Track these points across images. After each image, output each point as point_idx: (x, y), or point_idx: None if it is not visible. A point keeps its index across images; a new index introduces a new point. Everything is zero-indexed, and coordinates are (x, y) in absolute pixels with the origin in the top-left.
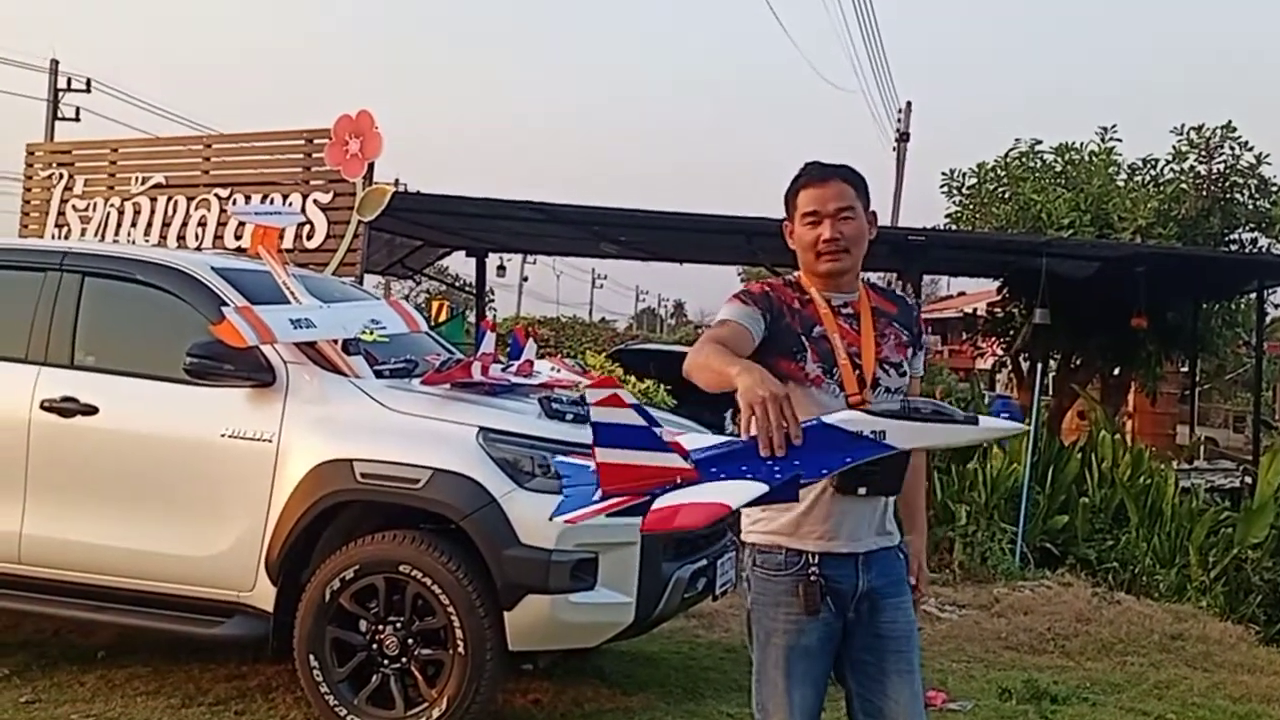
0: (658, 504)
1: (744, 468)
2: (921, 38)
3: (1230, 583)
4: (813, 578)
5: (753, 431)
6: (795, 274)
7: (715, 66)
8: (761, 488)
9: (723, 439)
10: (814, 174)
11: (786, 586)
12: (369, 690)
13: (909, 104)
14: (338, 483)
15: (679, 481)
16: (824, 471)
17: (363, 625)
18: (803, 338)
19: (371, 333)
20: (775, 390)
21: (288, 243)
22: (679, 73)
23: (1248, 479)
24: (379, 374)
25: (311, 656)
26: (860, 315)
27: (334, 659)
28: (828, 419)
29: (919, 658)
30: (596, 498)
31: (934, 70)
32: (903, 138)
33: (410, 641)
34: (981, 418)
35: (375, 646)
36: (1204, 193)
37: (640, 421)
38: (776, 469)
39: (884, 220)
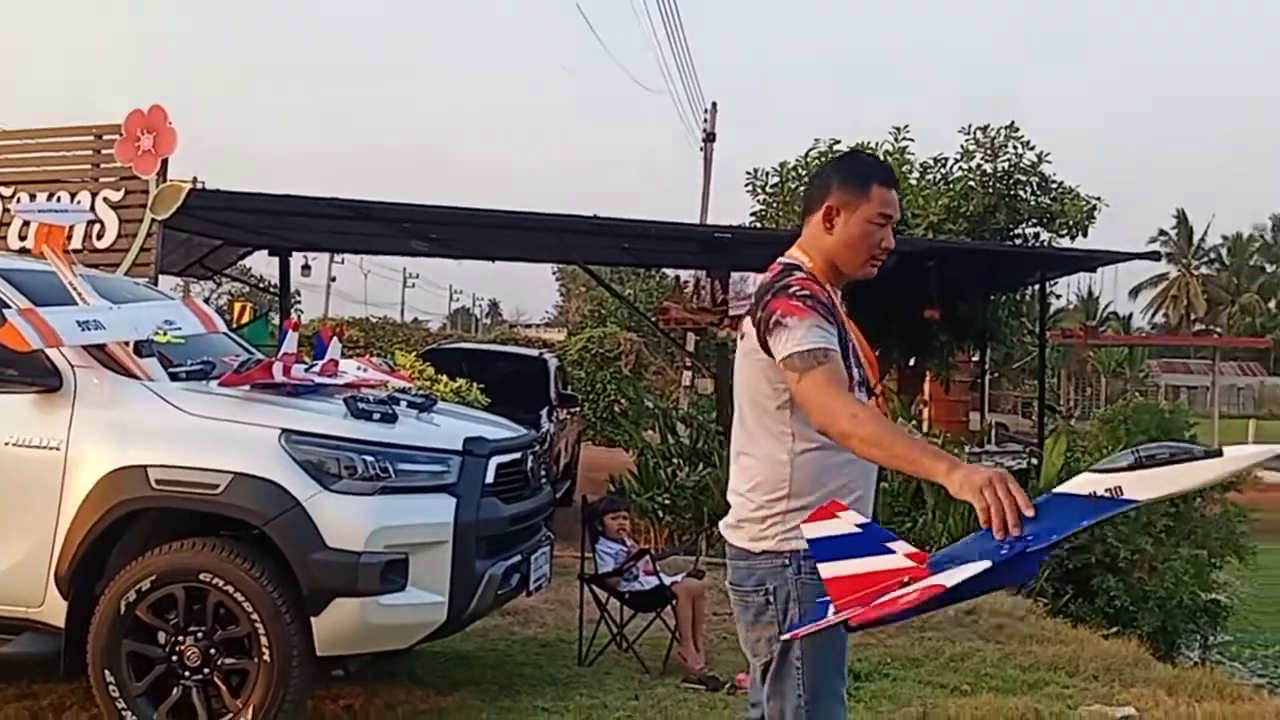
0: (878, 600)
1: (977, 553)
2: (729, 35)
3: None
4: None
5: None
6: (804, 263)
7: (529, 65)
8: (985, 564)
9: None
10: (890, 175)
11: None
12: (169, 704)
13: (714, 105)
14: (131, 490)
15: (907, 580)
16: (1054, 537)
17: (161, 637)
18: (848, 341)
19: (165, 334)
20: (994, 473)
21: (77, 243)
22: (484, 67)
23: (1034, 461)
24: (174, 376)
25: (107, 672)
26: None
27: (131, 673)
28: (1060, 488)
29: None
30: (830, 613)
31: (740, 69)
32: (709, 138)
33: (213, 651)
34: (1226, 448)
35: (175, 658)
36: (990, 190)
37: (854, 529)
38: (1004, 546)
39: (693, 218)
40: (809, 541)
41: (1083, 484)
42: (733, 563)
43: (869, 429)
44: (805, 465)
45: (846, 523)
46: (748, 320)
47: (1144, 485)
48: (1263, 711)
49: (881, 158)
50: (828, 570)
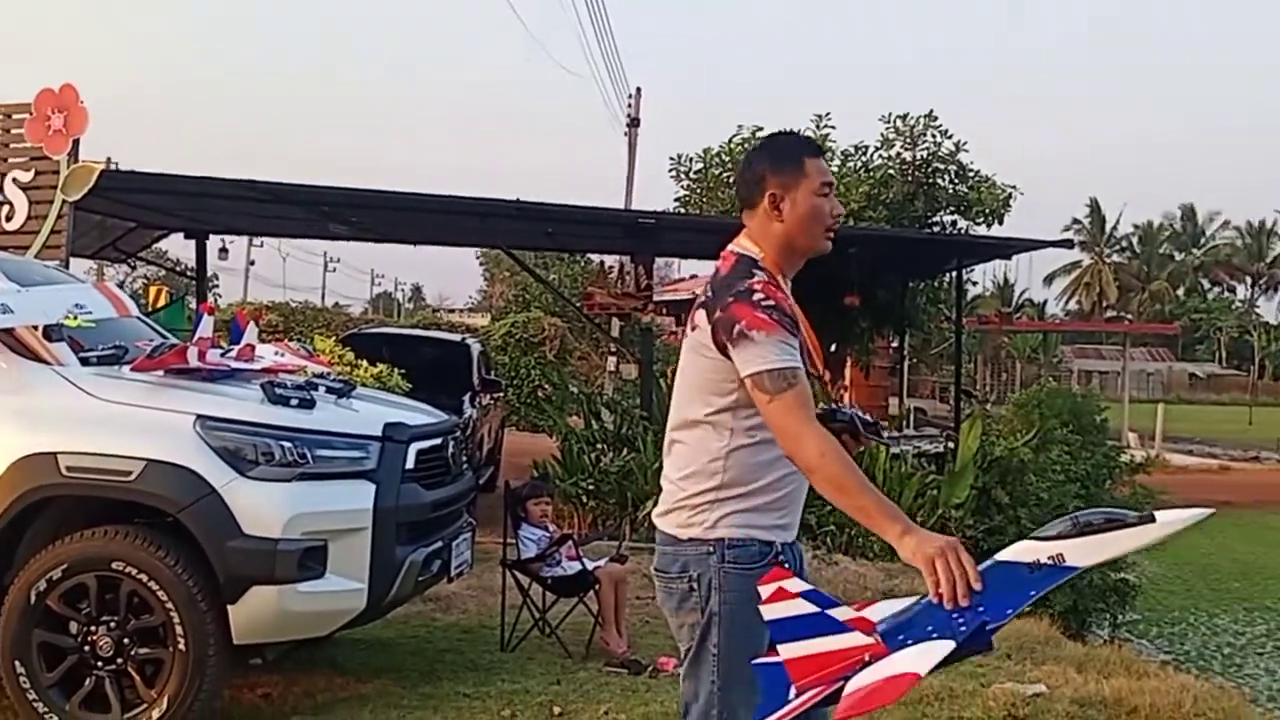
0: (849, 688)
1: (929, 628)
2: (651, 20)
3: None
4: (785, 567)
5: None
6: (755, 255)
7: (448, 49)
8: (949, 645)
9: (907, 601)
10: (815, 145)
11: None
12: (82, 694)
13: (639, 90)
14: (41, 477)
15: (867, 659)
16: (1009, 612)
17: (73, 627)
18: (802, 339)
19: (76, 318)
20: (945, 543)
21: None
22: (398, 50)
23: (950, 444)
24: (85, 361)
25: (17, 663)
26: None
27: (42, 664)
28: (1001, 555)
29: None
30: (792, 695)
31: (664, 54)
32: (633, 123)
33: (126, 641)
34: (1158, 513)
35: (88, 649)
36: (909, 178)
37: (812, 609)
38: (960, 620)
39: (617, 203)
40: (769, 623)
41: (1024, 551)
42: (660, 548)
43: (834, 470)
44: (740, 459)
45: (802, 605)
46: (701, 312)
47: (1084, 552)
48: (1167, 687)
49: None
50: (787, 651)
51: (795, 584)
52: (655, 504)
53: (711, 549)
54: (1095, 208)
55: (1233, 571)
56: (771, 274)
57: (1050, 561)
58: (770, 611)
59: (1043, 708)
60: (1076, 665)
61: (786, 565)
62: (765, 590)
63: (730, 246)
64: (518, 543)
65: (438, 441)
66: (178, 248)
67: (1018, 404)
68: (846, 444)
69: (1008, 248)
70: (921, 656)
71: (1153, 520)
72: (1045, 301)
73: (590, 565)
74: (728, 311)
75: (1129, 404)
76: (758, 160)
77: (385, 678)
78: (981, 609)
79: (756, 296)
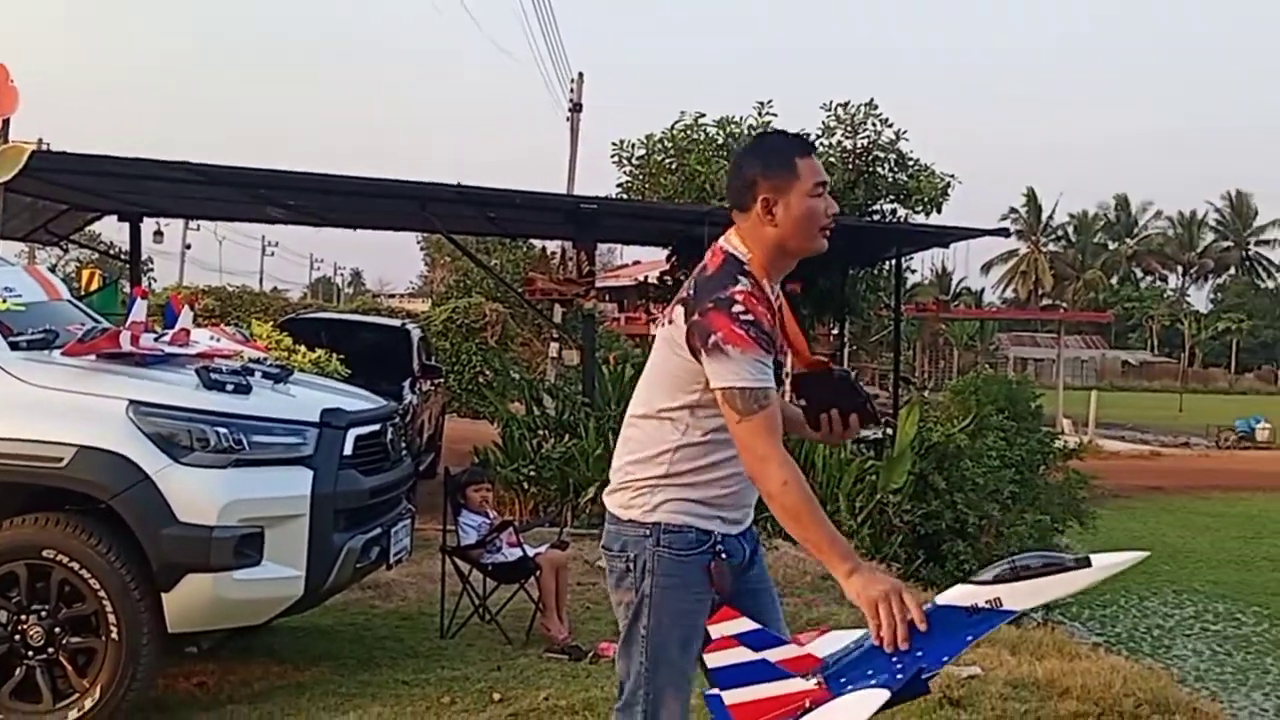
0: None
1: (869, 671)
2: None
3: (875, 525)
4: (724, 557)
5: (882, 633)
6: (743, 257)
7: (390, 30)
8: (884, 695)
9: (856, 634)
10: (807, 144)
11: (697, 567)
12: (12, 684)
13: (581, 75)
14: None
15: (808, 705)
16: (945, 659)
17: (3, 616)
18: (778, 349)
19: (5, 301)
20: (889, 586)
21: None
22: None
23: (889, 431)
24: (14, 346)
25: None
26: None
27: None
28: (941, 599)
29: None
30: None
31: (609, 40)
32: (576, 108)
33: (58, 630)
34: (1093, 557)
35: (18, 638)
36: (850, 166)
37: (754, 657)
38: (899, 665)
39: (560, 188)
40: (713, 670)
41: (963, 595)
42: (606, 525)
43: (794, 501)
44: (688, 454)
45: (744, 653)
46: (680, 309)
47: (1020, 596)
48: (1098, 669)
49: (745, 133)
50: (731, 697)
51: (740, 624)
52: (597, 490)
53: (648, 531)
54: (1032, 197)
55: (1162, 555)
56: (757, 279)
57: (988, 605)
58: (713, 659)
59: (977, 689)
60: (1010, 647)
61: (725, 555)
62: (714, 631)
63: (720, 242)
64: (458, 529)
65: (376, 427)
66: (111, 230)
67: (955, 391)
68: (843, 420)
69: (946, 236)
70: (857, 707)
71: (1089, 564)
72: (983, 290)
73: (531, 551)
74: (705, 318)
75: (1063, 390)
76: (748, 164)
77: (323, 665)
78: (920, 653)
79: (736, 309)
